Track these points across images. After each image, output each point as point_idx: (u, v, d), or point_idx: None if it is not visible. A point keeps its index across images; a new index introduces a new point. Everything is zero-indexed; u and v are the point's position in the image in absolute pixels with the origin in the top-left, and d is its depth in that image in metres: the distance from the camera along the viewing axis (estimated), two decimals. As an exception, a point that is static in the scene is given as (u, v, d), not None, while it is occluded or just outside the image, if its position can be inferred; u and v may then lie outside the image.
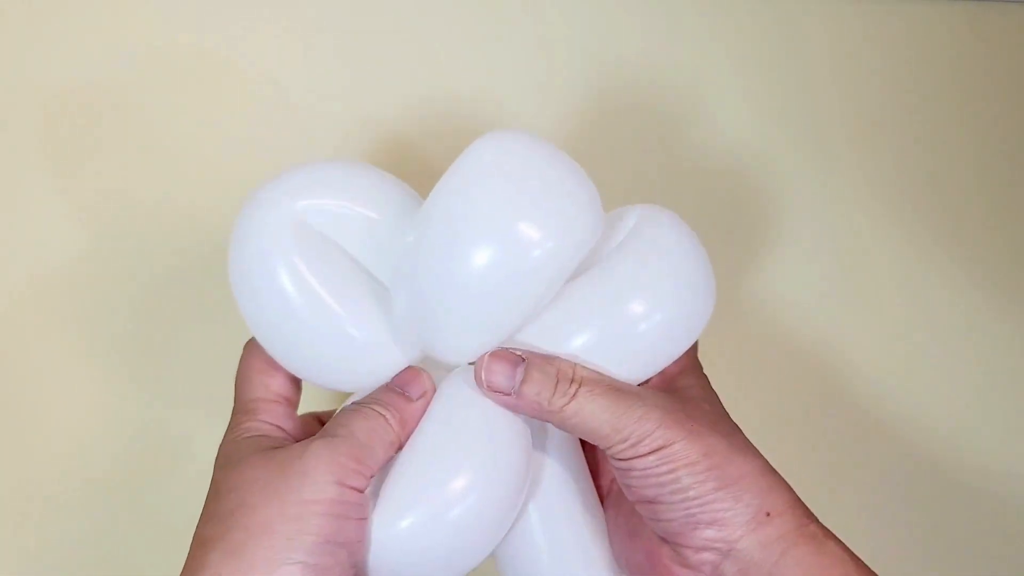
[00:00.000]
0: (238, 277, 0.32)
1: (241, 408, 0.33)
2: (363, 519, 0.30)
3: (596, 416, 0.30)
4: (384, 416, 0.31)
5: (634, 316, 0.32)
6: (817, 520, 0.30)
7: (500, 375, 0.31)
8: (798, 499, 0.31)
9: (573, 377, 0.31)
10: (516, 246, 0.29)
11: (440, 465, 0.31)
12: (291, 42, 0.48)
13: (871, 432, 0.48)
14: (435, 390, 0.33)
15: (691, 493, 0.30)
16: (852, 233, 0.50)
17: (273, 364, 0.33)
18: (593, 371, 0.31)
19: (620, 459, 0.30)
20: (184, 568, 0.29)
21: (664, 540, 0.31)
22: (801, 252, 0.50)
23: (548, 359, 0.31)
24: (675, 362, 0.33)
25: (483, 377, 0.31)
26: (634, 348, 0.32)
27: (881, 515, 0.47)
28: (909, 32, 0.53)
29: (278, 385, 0.34)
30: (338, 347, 0.32)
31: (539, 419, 0.32)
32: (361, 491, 0.30)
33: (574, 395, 0.30)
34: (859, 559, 0.30)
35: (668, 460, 0.30)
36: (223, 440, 0.33)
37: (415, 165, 0.47)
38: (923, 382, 0.49)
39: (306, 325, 0.31)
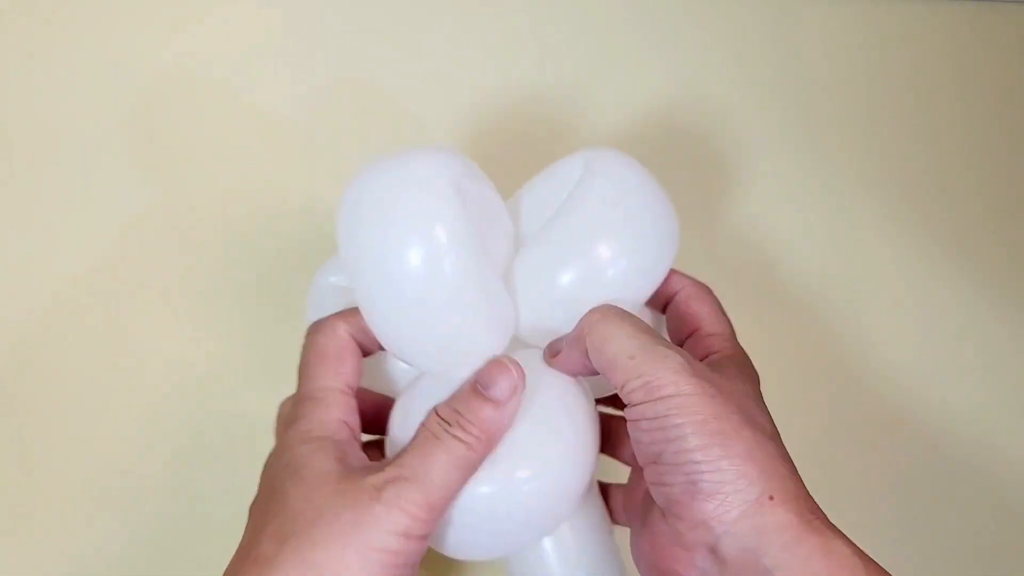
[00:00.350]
0: (371, 233, 0.31)
1: (307, 395, 0.32)
2: (418, 565, 0.30)
3: (619, 340, 0.30)
4: (467, 444, 0.30)
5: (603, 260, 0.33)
6: (824, 516, 0.29)
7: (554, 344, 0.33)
8: (808, 493, 0.29)
9: (609, 307, 0.32)
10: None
11: (520, 450, 0.31)
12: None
13: (879, 425, 0.48)
14: (524, 379, 0.32)
15: (695, 456, 0.28)
16: (852, 233, 0.50)
17: (345, 350, 0.33)
18: None
19: (632, 404, 0.30)
20: (236, 565, 0.29)
21: (664, 517, 0.30)
22: (801, 252, 0.50)
23: None
24: (717, 344, 0.35)
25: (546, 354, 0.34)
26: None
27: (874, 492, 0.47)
28: (909, 32, 0.53)
29: (348, 372, 0.33)
30: (463, 318, 0.32)
31: (577, 364, 0.32)
32: (423, 538, 0.29)
33: (605, 314, 0.31)
34: (869, 559, 0.28)
35: (677, 411, 0.28)
36: (288, 429, 0.32)
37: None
38: (932, 381, 0.49)
39: (443, 290, 0.31)
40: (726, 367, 0.33)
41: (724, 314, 0.37)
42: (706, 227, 0.49)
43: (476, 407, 0.31)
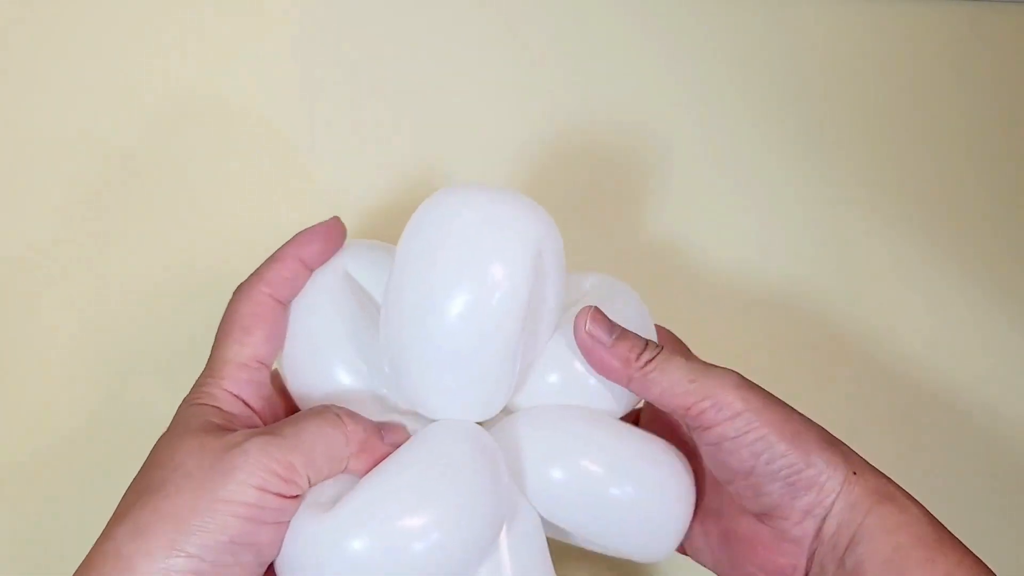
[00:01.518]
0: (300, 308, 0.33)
1: (209, 368, 0.32)
2: (281, 523, 0.29)
3: (677, 374, 0.32)
4: (344, 428, 0.30)
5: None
6: (893, 480, 0.32)
7: (602, 329, 0.32)
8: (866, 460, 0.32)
9: (657, 346, 0.33)
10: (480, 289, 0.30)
11: (411, 493, 0.29)
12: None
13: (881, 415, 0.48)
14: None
15: (786, 460, 0.31)
16: (852, 234, 0.50)
17: (256, 320, 0.32)
18: None
19: (707, 427, 0.31)
20: (102, 532, 0.29)
21: (762, 521, 0.32)
22: (801, 252, 0.50)
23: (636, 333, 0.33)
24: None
25: (586, 326, 0.32)
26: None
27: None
28: (909, 32, 0.53)
29: (255, 342, 0.32)
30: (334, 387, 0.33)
31: (620, 378, 0.33)
32: (287, 497, 0.28)
33: (657, 354, 0.32)
34: (935, 518, 0.31)
35: (755, 424, 0.31)
36: (183, 400, 0.32)
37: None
38: (936, 375, 0.49)
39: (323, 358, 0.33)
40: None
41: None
42: (705, 227, 0.50)
43: (366, 423, 0.31)
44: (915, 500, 0.31)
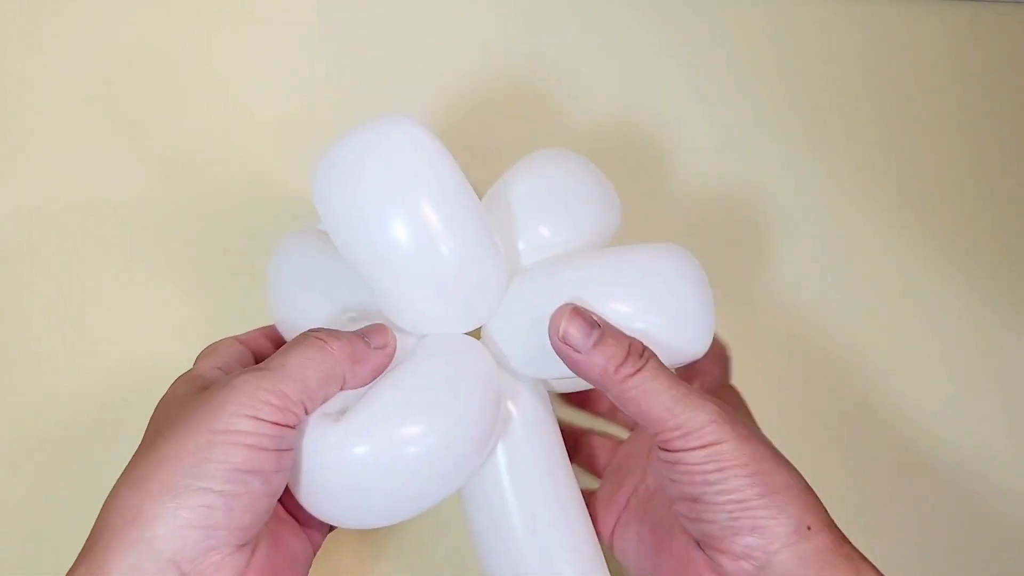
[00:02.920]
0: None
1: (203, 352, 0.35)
2: (284, 450, 0.29)
3: (656, 395, 0.30)
4: (327, 345, 0.30)
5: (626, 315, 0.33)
6: (850, 542, 0.30)
7: (577, 331, 0.31)
8: (832, 518, 0.31)
9: (643, 354, 0.31)
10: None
11: (405, 404, 0.31)
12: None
13: (881, 437, 0.48)
14: (395, 344, 0.33)
15: (737, 496, 0.30)
16: (851, 234, 0.50)
17: (235, 349, 0.35)
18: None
19: (669, 450, 0.31)
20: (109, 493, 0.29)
21: (700, 547, 0.31)
22: (801, 253, 0.50)
23: (623, 333, 0.32)
24: (712, 380, 0.35)
25: (561, 328, 0.31)
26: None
27: (888, 524, 0.47)
28: (909, 32, 0.53)
29: (225, 342, 0.35)
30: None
31: (598, 385, 0.32)
32: (284, 425, 0.29)
33: (640, 369, 0.31)
34: None
35: (718, 458, 0.30)
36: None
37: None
38: (930, 387, 0.49)
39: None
40: (727, 399, 0.35)
41: (722, 348, 0.39)
42: (704, 226, 0.50)
43: (347, 334, 0.32)
44: (872, 566, 0.30)
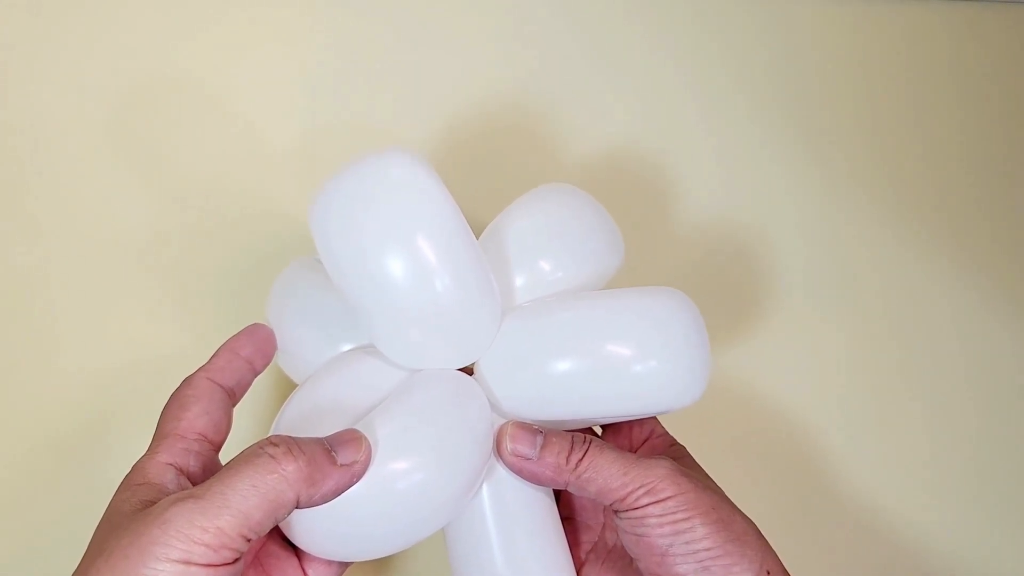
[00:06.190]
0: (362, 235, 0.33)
1: (148, 449, 0.32)
2: None
3: (608, 466, 0.32)
4: (280, 466, 0.28)
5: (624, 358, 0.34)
6: None
7: (524, 443, 0.33)
8: (782, 562, 0.33)
9: (585, 439, 0.33)
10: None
11: (394, 441, 0.31)
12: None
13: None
14: (369, 461, 0.30)
15: (705, 544, 0.31)
16: (852, 234, 0.51)
17: (192, 398, 0.32)
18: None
19: (636, 507, 0.32)
20: None
21: None
22: (802, 254, 0.50)
23: (561, 431, 0.34)
24: (657, 438, 0.37)
25: (508, 446, 0.33)
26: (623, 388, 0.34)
27: None
28: (909, 32, 0.53)
29: (191, 416, 0.32)
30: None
31: (556, 484, 0.33)
32: (219, 565, 0.26)
33: (586, 451, 0.33)
34: None
35: (685, 506, 0.31)
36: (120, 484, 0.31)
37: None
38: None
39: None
40: (682, 457, 0.36)
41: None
42: (702, 225, 0.50)
43: (312, 447, 0.29)
44: None
